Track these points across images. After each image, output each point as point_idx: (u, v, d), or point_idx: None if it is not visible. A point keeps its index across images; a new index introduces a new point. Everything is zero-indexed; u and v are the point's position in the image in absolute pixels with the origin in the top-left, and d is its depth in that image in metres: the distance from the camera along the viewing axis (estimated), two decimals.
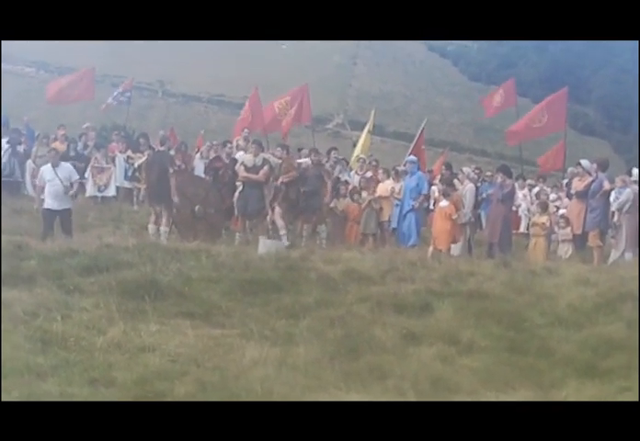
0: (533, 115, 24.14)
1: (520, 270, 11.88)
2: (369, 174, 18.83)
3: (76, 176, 14.95)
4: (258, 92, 24.67)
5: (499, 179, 15.92)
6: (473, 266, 12.05)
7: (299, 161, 17.09)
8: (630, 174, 15.48)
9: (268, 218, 16.29)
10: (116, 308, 8.57)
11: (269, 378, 6.80)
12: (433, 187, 18.30)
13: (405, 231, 16.44)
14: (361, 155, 21.77)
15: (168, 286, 9.53)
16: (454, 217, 15.02)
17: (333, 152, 18.41)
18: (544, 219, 15.88)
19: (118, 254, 10.97)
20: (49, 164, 14.72)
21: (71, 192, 14.62)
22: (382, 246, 15.87)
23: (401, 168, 18.03)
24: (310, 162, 16.60)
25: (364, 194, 17.09)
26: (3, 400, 5.87)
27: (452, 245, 15.23)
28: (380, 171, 18.55)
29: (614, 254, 14.76)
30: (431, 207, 18.31)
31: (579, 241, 15.79)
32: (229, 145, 17.78)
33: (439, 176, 18.70)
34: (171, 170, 15.41)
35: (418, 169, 17.33)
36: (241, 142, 18.64)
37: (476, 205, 16.67)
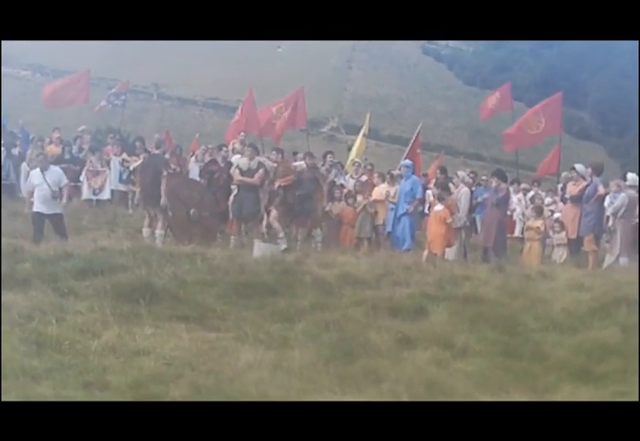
0: (529, 118, 24.12)
1: (514, 274, 11.90)
2: (364, 177, 18.88)
3: (65, 181, 14.83)
4: (253, 94, 24.70)
5: (494, 183, 15.95)
6: (467, 271, 12.06)
7: (294, 164, 17.11)
8: (625, 178, 15.50)
9: (264, 221, 16.32)
10: (110, 311, 8.56)
11: (264, 382, 6.79)
12: (428, 191, 18.33)
13: (399, 235, 16.45)
14: (356, 159, 21.81)
15: (163, 289, 9.51)
16: (449, 221, 15.04)
17: (329, 156, 18.44)
18: (539, 223, 15.92)
19: (112, 257, 10.96)
20: (38, 169, 14.68)
21: (61, 199, 14.51)
22: (376, 250, 15.93)
23: (396, 172, 18.06)
24: (305, 165, 16.62)
25: (359, 198, 17.12)
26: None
27: (447, 249, 15.25)
28: (375, 175, 18.60)
29: (609, 259, 14.78)
30: (426, 211, 18.34)
31: (574, 245, 15.83)
32: (224, 149, 17.79)
33: (433, 180, 18.74)
34: (164, 172, 15.42)
35: (413, 173, 17.34)
36: (237, 146, 18.66)
37: (471, 209, 16.71)
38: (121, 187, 21.76)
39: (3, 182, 19.40)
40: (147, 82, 62.62)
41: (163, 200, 15.24)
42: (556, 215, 17.48)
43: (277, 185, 16.03)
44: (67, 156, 22.00)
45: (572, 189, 16.33)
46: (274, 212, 15.93)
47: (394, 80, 77.99)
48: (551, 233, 16.12)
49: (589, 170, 15.95)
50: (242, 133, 19.94)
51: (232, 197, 16.10)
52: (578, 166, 16.63)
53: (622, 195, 14.61)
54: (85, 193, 21.45)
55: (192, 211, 15.44)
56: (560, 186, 20.46)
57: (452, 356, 7.95)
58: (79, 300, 9.01)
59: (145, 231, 15.58)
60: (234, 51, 65.85)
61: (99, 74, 42.98)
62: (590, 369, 7.66)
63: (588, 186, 15.55)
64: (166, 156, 16.45)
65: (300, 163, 17.01)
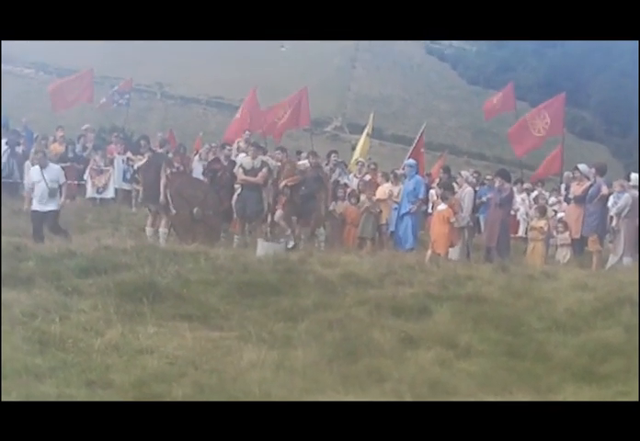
0: (534, 120, 24.06)
1: (517, 274, 11.88)
2: (367, 177, 18.87)
3: (64, 179, 14.82)
4: (256, 94, 24.69)
5: (497, 183, 15.92)
6: (471, 270, 12.05)
7: (298, 163, 17.12)
8: (628, 178, 15.49)
9: (268, 220, 16.34)
10: (114, 310, 8.57)
11: (267, 381, 6.80)
12: (431, 191, 18.32)
13: (401, 235, 16.44)
14: (360, 158, 21.81)
15: (166, 288, 9.52)
16: (452, 220, 15.01)
17: (333, 156, 18.43)
18: (542, 223, 15.90)
19: (116, 255, 10.97)
20: (37, 166, 14.67)
21: (60, 196, 14.48)
22: (380, 250, 15.91)
23: (399, 171, 18.05)
24: (308, 164, 16.61)
25: (362, 197, 17.11)
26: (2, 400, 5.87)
27: (450, 249, 15.22)
28: (379, 174, 18.59)
29: (612, 259, 14.76)
30: (430, 210, 18.33)
31: (578, 245, 15.81)
32: (227, 147, 17.78)
33: (437, 180, 18.73)
34: (168, 171, 15.42)
35: (417, 173, 17.32)
36: (242, 144, 18.64)
37: (475, 209, 16.68)
38: (125, 186, 21.79)
39: (6, 180, 19.41)
40: (151, 81, 62.65)
41: (162, 198, 15.24)
42: (560, 215, 17.45)
43: (283, 184, 16.04)
44: (71, 155, 22.03)
45: (575, 189, 16.30)
46: (280, 212, 15.96)
47: (397, 80, 77.96)
48: (554, 233, 16.11)
49: (593, 170, 15.93)
50: (247, 132, 19.90)
51: (235, 197, 16.10)
52: (582, 166, 16.61)
53: (626, 195, 14.59)
54: (89, 192, 21.46)
55: (196, 210, 15.42)
56: (563, 186, 20.44)
57: (456, 355, 7.95)
58: (82, 299, 9.02)
59: (148, 229, 15.58)
60: (238, 51, 65.83)
61: (103, 73, 43.01)
62: (593, 369, 7.66)
63: (591, 186, 15.53)
64: (170, 155, 16.44)
65: (304, 163, 17.01)
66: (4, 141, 20.56)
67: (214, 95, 65.52)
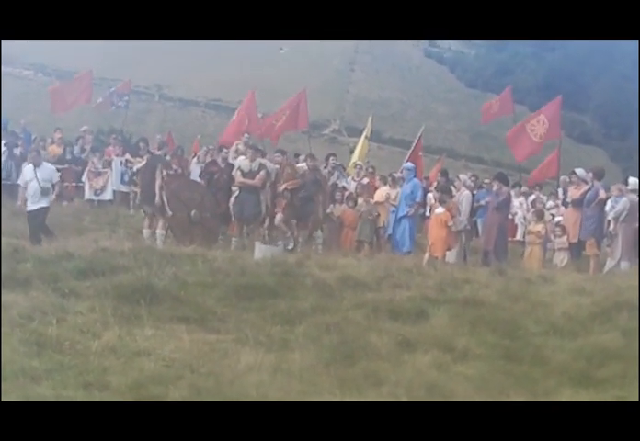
0: (530, 125, 24.04)
1: (515, 278, 11.89)
2: (365, 180, 18.88)
3: (57, 178, 14.83)
4: (255, 96, 24.66)
5: (495, 187, 15.94)
6: (468, 274, 12.06)
7: (296, 166, 17.12)
8: (626, 182, 15.50)
9: (266, 223, 16.34)
10: (111, 312, 8.57)
11: (264, 384, 6.79)
12: (429, 194, 18.33)
13: (399, 238, 16.46)
14: (358, 161, 21.81)
15: (164, 290, 9.52)
16: (450, 224, 15.02)
17: (331, 158, 18.43)
18: (540, 227, 15.92)
19: (113, 257, 10.97)
20: (31, 165, 14.69)
21: (52, 194, 14.52)
22: (377, 253, 15.90)
23: (397, 175, 18.06)
24: (306, 167, 16.62)
25: (360, 200, 17.11)
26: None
27: (448, 252, 15.23)
28: (377, 177, 18.61)
29: (610, 263, 14.77)
30: (427, 213, 18.34)
31: (575, 249, 15.83)
32: (224, 150, 17.77)
33: (435, 183, 18.74)
34: (164, 172, 15.42)
35: (415, 176, 17.33)
36: (241, 147, 18.59)
37: (472, 212, 16.69)
38: (123, 188, 21.80)
39: (4, 182, 19.40)
40: (149, 82, 62.61)
41: (157, 199, 15.24)
42: (557, 219, 17.47)
43: (283, 187, 16.04)
44: (69, 156, 22.05)
45: (573, 193, 16.33)
46: (280, 215, 15.97)
47: (396, 83, 77.95)
48: (552, 237, 16.12)
49: (590, 174, 15.96)
50: (245, 135, 19.88)
51: (233, 199, 16.09)
52: (579, 171, 16.64)
53: (624, 199, 14.59)
54: (87, 193, 21.48)
55: (193, 213, 15.43)
56: (560, 189, 20.46)
57: (453, 359, 7.95)
58: (80, 301, 9.02)
59: (146, 231, 15.58)
60: (236, 53, 65.87)
61: (101, 75, 42.94)
62: (591, 374, 7.65)
63: (589, 190, 15.55)
64: (167, 157, 16.44)
65: (302, 166, 17.02)
66: (2, 142, 20.57)
67: (213, 97, 65.49)
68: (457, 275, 11.84)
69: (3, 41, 9.79)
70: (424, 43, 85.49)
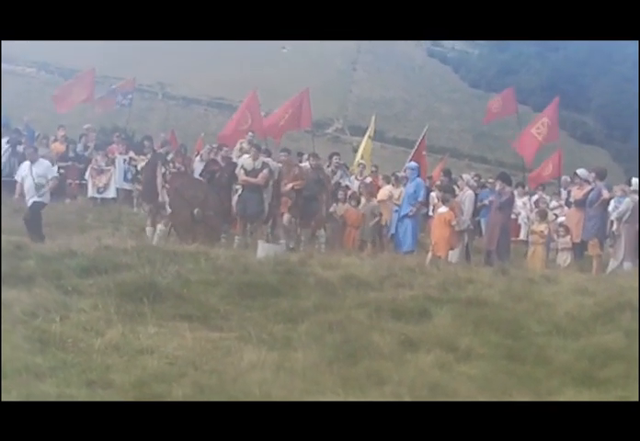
0: (536, 129, 24.07)
1: (518, 278, 11.87)
2: (368, 179, 18.88)
3: (53, 174, 14.83)
4: (257, 95, 24.63)
5: (498, 187, 15.93)
6: (471, 274, 12.04)
7: (300, 165, 17.13)
8: (629, 183, 15.50)
9: (269, 222, 16.35)
10: (114, 310, 8.57)
11: (267, 382, 6.79)
12: (432, 194, 18.33)
13: (402, 238, 16.46)
14: (361, 161, 21.81)
15: (167, 288, 9.52)
16: (453, 223, 15.01)
17: (334, 158, 18.44)
18: (543, 227, 15.90)
19: (116, 255, 10.96)
20: (28, 161, 14.70)
21: (44, 189, 14.52)
22: (380, 252, 15.90)
23: (401, 174, 18.06)
24: (309, 166, 16.62)
25: (363, 199, 17.11)
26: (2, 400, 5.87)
27: (451, 252, 15.22)
28: (380, 177, 18.62)
29: (613, 264, 14.77)
30: (430, 213, 18.34)
31: (578, 249, 15.83)
32: (225, 148, 17.76)
33: (438, 183, 18.74)
34: (164, 170, 15.42)
35: (418, 175, 17.33)
36: (245, 145, 18.59)
37: (475, 212, 16.68)
38: (126, 186, 21.79)
39: (7, 179, 19.40)
40: (152, 81, 62.60)
41: (161, 197, 15.24)
42: (561, 219, 17.46)
43: (290, 187, 16.04)
44: (72, 154, 22.05)
45: (576, 193, 16.34)
46: (287, 215, 16.00)
47: (399, 82, 77.94)
48: (555, 237, 16.10)
49: (593, 174, 15.95)
50: (250, 133, 19.86)
51: (236, 197, 16.11)
52: (580, 171, 16.67)
53: (627, 199, 14.60)
54: (90, 191, 21.48)
55: (196, 211, 15.41)
56: (562, 190, 20.46)
57: (456, 358, 7.95)
58: (83, 299, 9.02)
59: (149, 229, 15.58)
60: (239, 52, 65.87)
61: (104, 73, 42.92)
62: (593, 374, 7.65)
63: (592, 190, 15.55)
64: (170, 156, 16.44)
65: (305, 165, 17.02)
66: (5, 140, 20.57)
67: (216, 95, 65.51)
68: (460, 274, 11.83)
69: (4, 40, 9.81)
70: (427, 43, 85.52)
